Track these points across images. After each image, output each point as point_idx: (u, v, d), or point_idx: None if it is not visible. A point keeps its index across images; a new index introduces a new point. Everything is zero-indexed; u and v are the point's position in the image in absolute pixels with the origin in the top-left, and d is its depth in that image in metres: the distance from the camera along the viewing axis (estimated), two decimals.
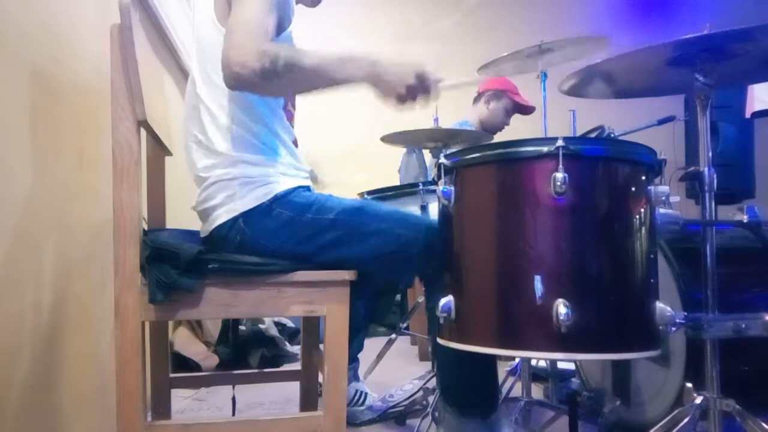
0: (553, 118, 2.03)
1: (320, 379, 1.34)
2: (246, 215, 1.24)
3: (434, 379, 1.94)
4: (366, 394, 1.95)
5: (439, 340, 1.20)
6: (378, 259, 1.28)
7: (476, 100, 2.97)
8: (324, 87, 1.19)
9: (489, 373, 1.34)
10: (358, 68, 1.17)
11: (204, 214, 1.30)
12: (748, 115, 2.93)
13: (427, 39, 4.41)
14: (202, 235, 1.33)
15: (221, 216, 1.25)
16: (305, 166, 1.40)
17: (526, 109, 2.92)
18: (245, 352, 2.69)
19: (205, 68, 1.29)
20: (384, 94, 1.20)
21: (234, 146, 1.26)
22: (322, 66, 1.15)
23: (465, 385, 1.32)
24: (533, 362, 2.03)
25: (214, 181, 1.26)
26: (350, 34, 4.20)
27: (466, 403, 1.31)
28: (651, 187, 1.13)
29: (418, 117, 2.06)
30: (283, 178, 1.28)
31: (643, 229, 1.12)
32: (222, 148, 1.26)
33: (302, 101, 1.37)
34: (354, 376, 1.95)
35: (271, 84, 1.11)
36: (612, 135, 1.84)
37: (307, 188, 1.33)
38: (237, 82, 1.11)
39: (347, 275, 1.23)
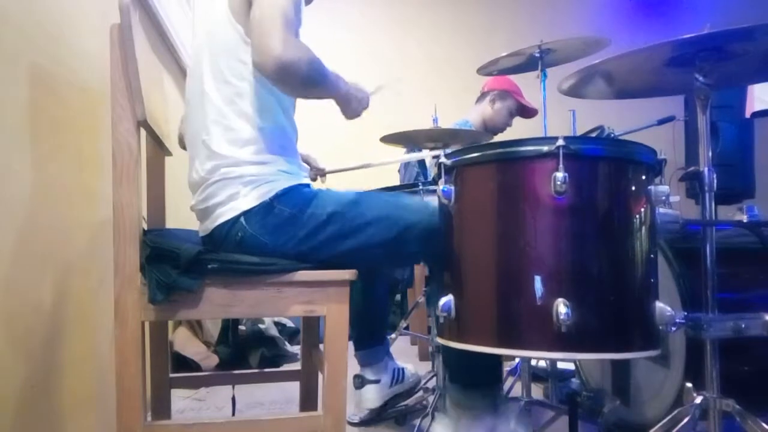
0: (553, 118, 2.03)
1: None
2: (247, 213, 1.24)
3: (434, 379, 1.95)
4: (403, 369, 1.95)
5: (439, 340, 1.20)
6: (381, 247, 1.28)
7: (480, 99, 2.94)
8: (320, 95, 1.28)
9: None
10: (344, 84, 1.33)
11: (205, 213, 1.30)
12: (748, 115, 2.93)
13: (427, 39, 4.42)
14: (202, 234, 1.33)
15: (223, 214, 1.25)
16: (306, 165, 1.41)
17: (529, 112, 2.89)
18: (245, 352, 2.69)
19: (218, 65, 1.28)
20: (352, 110, 1.39)
21: (239, 146, 1.25)
22: (331, 75, 1.26)
23: (468, 360, 1.33)
24: (533, 362, 2.04)
25: (217, 179, 1.26)
26: (349, 31, 4.20)
27: (470, 378, 1.33)
28: (651, 187, 1.13)
29: (417, 117, 2.07)
30: (285, 177, 1.28)
31: (643, 229, 1.12)
32: (224, 149, 1.25)
33: (302, 101, 1.40)
34: (388, 354, 1.95)
35: (308, 80, 1.17)
36: (612, 135, 1.84)
37: (308, 186, 1.33)
38: (283, 71, 1.12)
39: (347, 275, 1.23)
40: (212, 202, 1.27)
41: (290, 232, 1.25)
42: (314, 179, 1.72)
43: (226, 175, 1.25)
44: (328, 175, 1.76)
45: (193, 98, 1.35)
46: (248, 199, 1.24)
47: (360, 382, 1.86)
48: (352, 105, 1.38)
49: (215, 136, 1.26)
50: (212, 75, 1.29)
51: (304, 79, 1.16)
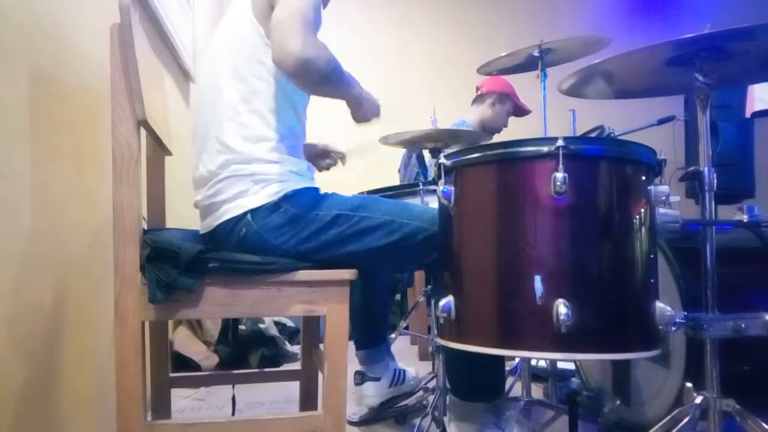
0: (553, 118, 2.03)
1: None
2: (254, 211, 1.25)
3: (434, 380, 1.95)
4: (404, 371, 1.95)
5: (439, 341, 1.20)
6: (383, 251, 1.28)
7: (479, 100, 2.92)
8: (335, 94, 1.30)
9: (494, 360, 1.34)
10: (359, 87, 1.35)
11: (210, 209, 1.30)
12: (748, 115, 2.93)
13: (427, 39, 4.42)
14: (203, 231, 1.33)
15: (230, 211, 1.26)
16: (314, 167, 1.41)
17: (523, 112, 2.93)
18: (245, 351, 2.69)
19: (236, 63, 1.29)
20: (362, 113, 1.39)
21: (252, 142, 1.26)
22: (347, 75, 1.29)
23: (471, 370, 1.34)
24: (533, 362, 2.04)
25: (227, 176, 1.26)
26: (349, 31, 4.20)
27: (472, 387, 1.33)
28: (651, 187, 1.13)
29: (416, 118, 2.07)
30: (295, 177, 1.29)
31: (643, 229, 1.12)
32: (238, 144, 1.26)
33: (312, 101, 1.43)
34: (389, 354, 1.95)
35: (325, 77, 1.19)
36: (612, 135, 1.84)
37: (316, 189, 1.34)
38: (302, 68, 1.14)
39: (347, 275, 1.23)
40: (219, 198, 1.27)
41: (293, 231, 1.25)
42: (335, 164, 1.73)
43: (237, 172, 1.25)
44: (330, 174, 1.75)
45: (204, 95, 1.36)
46: (257, 197, 1.24)
47: (360, 378, 1.87)
48: (363, 107, 1.39)
49: (228, 132, 1.27)
50: (230, 72, 1.30)
51: (321, 76, 1.18)
